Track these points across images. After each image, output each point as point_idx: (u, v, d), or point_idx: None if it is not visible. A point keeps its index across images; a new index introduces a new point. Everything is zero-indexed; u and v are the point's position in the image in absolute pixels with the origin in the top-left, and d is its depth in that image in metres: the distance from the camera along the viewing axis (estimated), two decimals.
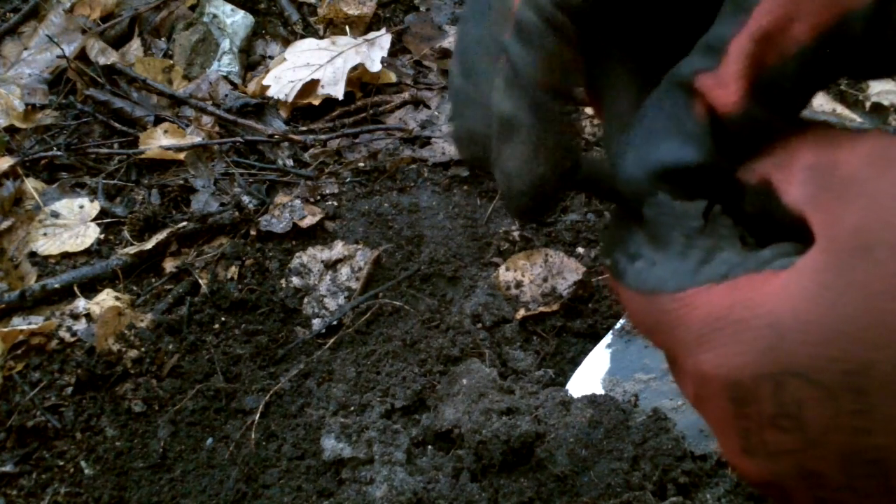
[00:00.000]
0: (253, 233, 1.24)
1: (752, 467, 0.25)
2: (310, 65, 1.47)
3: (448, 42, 1.54)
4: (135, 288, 1.21)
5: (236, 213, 1.25)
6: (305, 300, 1.15)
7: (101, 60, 1.51)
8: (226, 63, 1.54)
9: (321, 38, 1.55)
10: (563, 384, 1.00)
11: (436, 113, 1.43)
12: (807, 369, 0.22)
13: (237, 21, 1.57)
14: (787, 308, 0.23)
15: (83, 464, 1.00)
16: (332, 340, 1.09)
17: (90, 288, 1.20)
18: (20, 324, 1.15)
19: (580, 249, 1.19)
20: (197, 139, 1.40)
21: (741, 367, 0.24)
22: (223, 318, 1.14)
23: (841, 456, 0.23)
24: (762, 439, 0.24)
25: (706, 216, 0.27)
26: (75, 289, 1.19)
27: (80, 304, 1.17)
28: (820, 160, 0.24)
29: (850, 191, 0.23)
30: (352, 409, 0.99)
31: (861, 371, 0.21)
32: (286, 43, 1.56)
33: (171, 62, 1.55)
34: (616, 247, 0.30)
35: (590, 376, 1.01)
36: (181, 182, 1.34)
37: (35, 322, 1.14)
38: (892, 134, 0.25)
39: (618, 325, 1.06)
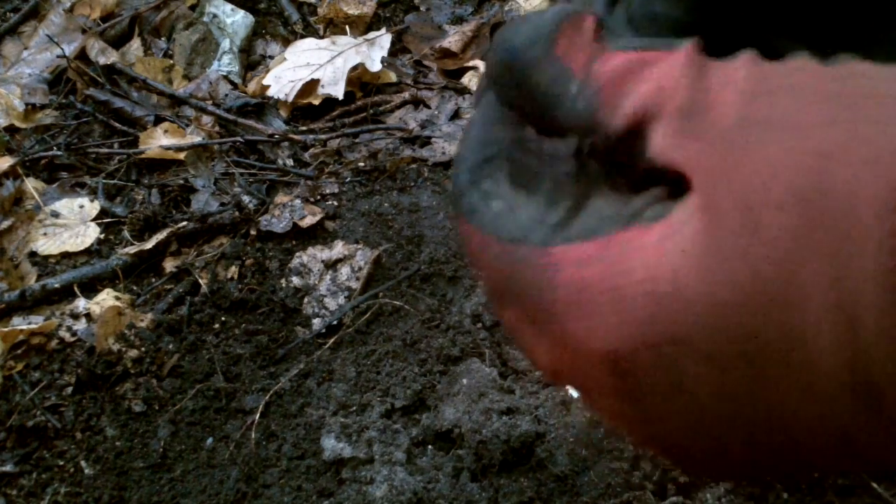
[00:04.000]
0: (253, 233, 1.24)
1: (631, 428, 0.24)
2: (310, 64, 1.47)
3: (448, 42, 1.54)
4: (135, 288, 1.21)
5: (236, 213, 1.25)
6: (305, 300, 1.15)
7: (101, 60, 1.51)
8: (226, 63, 1.54)
9: (321, 37, 1.55)
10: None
11: (436, 113, 1.43)
12: (689, 339, 0.21)
13: (237, 21, 1.57)
14: (666, 273, 0.21)
15: (83, 464, 1.00)
16: (332, 340, 1.09)
17: (90, 288, 1.20)
18: (20, 324, 1.15)
19: None
20: (197, 139, 1.40)
21: (618, 338, 0.22)
22: (223, 318, 1.14)
23: (721, 420, 0.22)
24: (643, 406, 0.23)
25: (578, 158, 0.24)
26: (75, 289, 1.19)
27: (80, 303, 1.17)
28: (693, 97, 0.21)
29: (725, 138, 0.21)
30: (352, 408, 0.99)
31: (746, 339, 0.20)
32: (286, 43, 1.56)
33: (171, 62, 1.55)
34: (470, 178, 0.26)
35: None
36: (181, 182, 1.34)
37: (35, 322, 1.14)
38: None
39: None
